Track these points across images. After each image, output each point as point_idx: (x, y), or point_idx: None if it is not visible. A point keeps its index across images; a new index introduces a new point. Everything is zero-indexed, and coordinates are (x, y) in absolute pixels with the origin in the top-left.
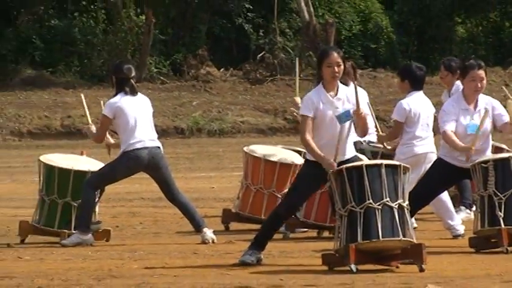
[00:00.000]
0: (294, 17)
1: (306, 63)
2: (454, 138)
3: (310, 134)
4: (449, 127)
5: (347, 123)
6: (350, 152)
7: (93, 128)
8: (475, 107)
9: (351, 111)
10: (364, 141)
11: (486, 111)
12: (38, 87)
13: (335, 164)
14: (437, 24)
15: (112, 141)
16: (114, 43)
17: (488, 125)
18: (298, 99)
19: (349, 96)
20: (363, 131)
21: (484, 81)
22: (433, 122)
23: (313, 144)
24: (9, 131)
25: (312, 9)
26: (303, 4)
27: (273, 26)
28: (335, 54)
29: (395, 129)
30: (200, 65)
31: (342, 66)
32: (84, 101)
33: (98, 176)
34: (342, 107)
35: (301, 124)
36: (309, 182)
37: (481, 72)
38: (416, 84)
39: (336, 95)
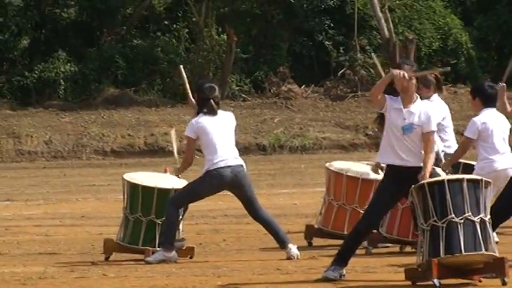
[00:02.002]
0: (374, 34)
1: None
2: None
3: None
4: None
5: (410, 135)
6: (416, 161)
7: (173, 168)
8: None
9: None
10: (442, 151)
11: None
12: (121, 106)
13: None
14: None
15: (176, 148)
16: (196, 62)
17: None
18: None
19: (422, 114)
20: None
21: None
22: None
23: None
24: (93, 150)
25: (391, 26)
26: (382, 21)
27: (353, 43)
28: (406, 67)
29: (464, 146)
30: (281, 82)
31: (414, 81)
32: (173, 137)
33: (182, 195)
34: (409, 119)
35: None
36: (387, 196)
37: None
38: (488, 102)
39: (409, 107)
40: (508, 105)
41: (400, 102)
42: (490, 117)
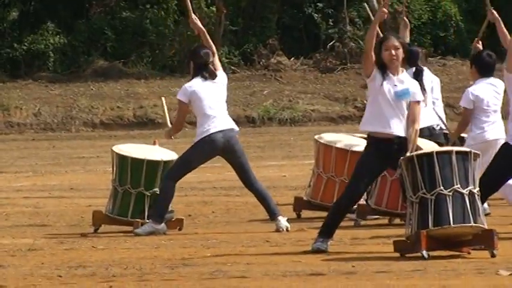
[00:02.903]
0: (363, 6)
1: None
2: None
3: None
4: None
5: (402, 103)
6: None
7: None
8: None
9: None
10: (438, 125)
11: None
12: (110, 78)
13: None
14: (507, 11)
15: (168, 118)
16: (185, 34)
17: None
18: None
19: (410, 85)
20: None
21: None
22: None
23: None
24: (82, 122)
25: None
26: None
27: (342, 16)
28: (393, 38)
29: (465, 117)
30: (271, 54)
31: (400, 50)
32: (164, 103)
33: (177, 167)
34: (400, 86)
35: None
36: (369, 169)
37: None
38: (484, 71)
39: (397, 75)
40: None
41: (389, 72)
42: (483, 88)
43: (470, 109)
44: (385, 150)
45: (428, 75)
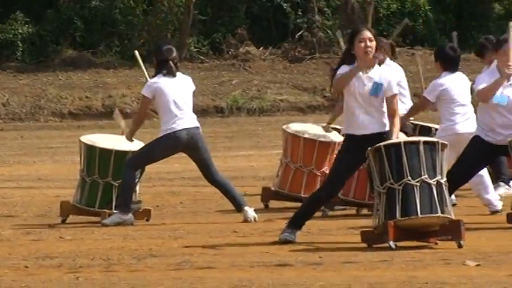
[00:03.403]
0: None
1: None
2: (487, 85)
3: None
4: (482, 86)
5: (377, 97)
6: (385, 125)
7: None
8: (508, 80)
9: (382, 84)
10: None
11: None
12: (79, 68)
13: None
14: (475, 2)
15: (124, 126)
16: (154, 23)
17: None
18: None
19: (383, 78)
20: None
21: None
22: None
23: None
24: (51, 112)
25: None
26: None
27: (311, 5)
28: (367, 31)
29: (421, 104)
30: (239, 44)
31: (374, 43)
32: (118, 117)
33: (138, 157)
34: (369, 84)
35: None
36: (347, 164)
37: None
38: (448, 65)
39: (367, 73)
40: None
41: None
42: (450, 81)
43: (430, 101)
44: (362, 145)
45: (392, 66)
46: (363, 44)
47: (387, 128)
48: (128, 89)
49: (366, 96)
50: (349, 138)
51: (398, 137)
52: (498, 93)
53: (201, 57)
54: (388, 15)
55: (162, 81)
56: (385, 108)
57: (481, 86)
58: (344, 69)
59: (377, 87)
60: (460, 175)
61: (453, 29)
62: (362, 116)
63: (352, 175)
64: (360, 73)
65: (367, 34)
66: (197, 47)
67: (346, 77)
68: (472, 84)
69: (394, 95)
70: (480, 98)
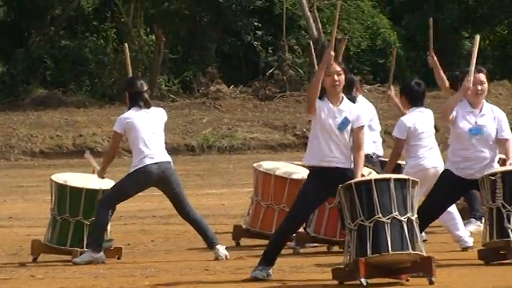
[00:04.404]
0: (302, 34)
1: None
2: (447, 101)
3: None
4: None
5: (344, 133)
6: (349, 162)
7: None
8: (480, 110)
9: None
10: (374, 154)
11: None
12: (49, 107)
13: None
14: (445, 39)
15: (96, 165)
16: (124, 62)
17: (492, 132)
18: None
19: (353, 110)
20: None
21: (485, 85)
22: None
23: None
24: (21, 151)
25: (320, 25)
26: (311, 21)
27: (281, 43)
28: (335, 65)
29: (397, 147)
30: (210, 82)
31: (343, 76)
32: (90, 158)
33: (111, 195)
34: (341, 118)
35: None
36: (312, 196)
37: (481, 76)
38: (414, 100)
39: (339, 106)
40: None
41: (328, 102)
42: (417, 116)
43: (403, 139)
44: (326, 179)
45: (363, 102)
46: (330, 78)
47: (351, 166)
48: (99, 127)
49: (334, 129)
50: (313, 171)
51: (363, 173)
52: (472, 125)
53: (172, 96)
54: (358, 53)
55: (133, 116)
56: (350, 144)
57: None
58: (321, 103)
59: (346, 123)
60: (431, 210)
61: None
62: (328, 149)
63: (317, 207)
64: (331, 105)
65: (336, 68)
66: (168, 86)
67: (317, 75)
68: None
69: (361, 127)
70: (442, 117)
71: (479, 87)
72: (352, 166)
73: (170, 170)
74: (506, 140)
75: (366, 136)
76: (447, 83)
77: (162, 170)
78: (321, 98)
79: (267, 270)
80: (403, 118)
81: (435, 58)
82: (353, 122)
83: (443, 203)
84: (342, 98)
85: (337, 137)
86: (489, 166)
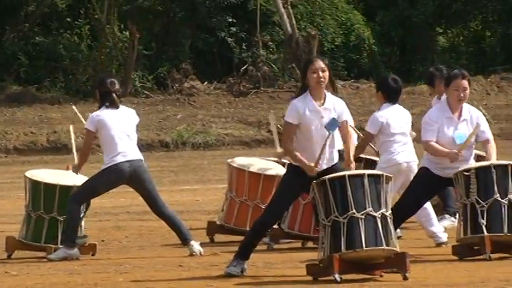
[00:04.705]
0: (276, 30)
1: (288, 75)
2: (437, 146)
3: (292, 142)
4: (430, 137)
5: (335, 131)
6: (334, 160)
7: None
8: (459, 116)
9: (338, 121)
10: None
11: (477, 126)
12: (24, 104)
13: (315, 169)
14: (419, 35)
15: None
16: (98, 59)
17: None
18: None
19: (336, 106)
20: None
21: (467, 91)
22: (411, 130)
23: (294, 151)
24: None
25: (294, 21)
26: (285, 17)
27: (255, 39)
28: (319, 61)
29: (363, 140)
30: (184, 78)
31: (327, 73)
32: (72, 134)
33: (82, 191)
34: (327, 117)
35: (284, 131)
36: (291, 190)
37: (464, 82)
38: (390, 96)
39: (323, 104)
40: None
41: (311, 102)
42: (391, 112)
43: (372, 134)
44: (305, 177)
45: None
46: (315, 75)
47: (335, 161)
48: (73, 124)
49: (320, 129)
50: (295, 168)
51: (351, 162)
52: (456, 132)
53: (146, 92)
54: (332, 49)
55: (104, 114)
56: (335, 143)
57: (429, 138)
58: (295, 103)
59: (334, 124)
60: (407, 207)
61: (397, 62)
62: (312, 149)
63: (293, 202)
64: (316, 105)
65: (320, 64)
66: (142, 82)
67: (294, 158)
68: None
69: (347, 121)
70: (428, 151)
71: (461, 94)
72: (336, 162)
73: (142, 167)
74: (488, 140)
75: (337, 132)
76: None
77: (134, 168)
78: (300, 95)
79: (241, 266)
80: (376, 113)
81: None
82: (339, 117)
83: (419, 200)
84: (325, 95)
85: (322, 137)
86: (467, 163)
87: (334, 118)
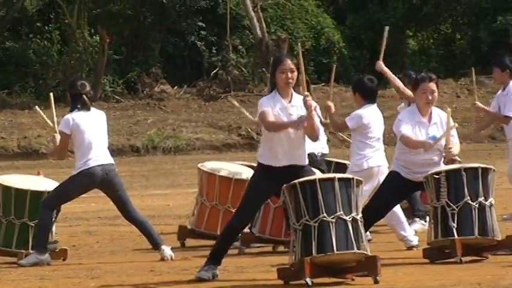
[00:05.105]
0: (246, 33)
1: (258, 79)
2: (411, 136)
3: (271, 118)
4: (406, 130)
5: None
6: (303, 159)
7: (58, 138)
8: (430, 119)
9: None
10: (319, 153)
11: (450, 127)
12: None
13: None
14: (389, 38)
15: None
16: (68, 64)
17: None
18: None
19: (303, 104)
20: (312, 135)
21: (435, 94)
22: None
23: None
24: None
25: (264, 25)
26: (255, 21)
27: (225, 43)
28: (288, 61)
29: (340, 125)
30: (154, 83)
31: (296, 73)
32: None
33: (54, 196)
34: (295, 114)
35: (262, 117)
36: (259, 192)
37: (432, 85)
38: (368, 96)
39: (290, 102)
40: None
41: (279, 100)
42: (370, 114)
43: (348, 127)
44: (274, 174)
45: None
46: (284, 75)
47: (305, 162)
48: (43, 129)
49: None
50: (265, 168)
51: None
52: (425, 136)
53: (116, 97)
54: (302, 53)
55: (78, 117)
56: (304, 141)
57: (404, 130)
58: (265, 100)
59: (302, 120)
60: (377, 210)
61: (367, 65)
62: (282, 148)
63: (263, 203)
64: (285, 103)
65: (289, 65)
66: (112, 87)
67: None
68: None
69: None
70: (406, 146)
71: (429, 97)
72: (304, 163)
73: (113, 172)
74: (455, 143)
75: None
76: (401, 84)
77: (106, 173)
78: (270, 92)
79: (213, 270)
80: (360, 111)
81: (383, 65)
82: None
83: (389, 203)
84: (292, 93)
85: (291, 134)
86: (437, 168)
87: (302, 115)
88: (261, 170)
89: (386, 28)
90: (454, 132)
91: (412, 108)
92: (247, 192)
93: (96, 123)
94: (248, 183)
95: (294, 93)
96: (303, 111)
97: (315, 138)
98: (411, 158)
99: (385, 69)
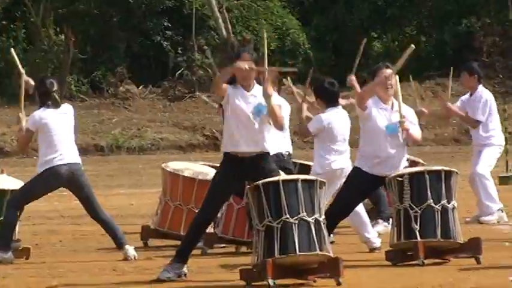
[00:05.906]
0: (212, 34)
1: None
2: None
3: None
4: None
5: (261, 117)
6: (265, 146)
7: (24, 122)
8: (392, 107)
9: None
10: (286, 152)
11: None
12: None
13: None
14: (354, 40)
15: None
16: (34, 62)
17: (401, 135)
18: None
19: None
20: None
21: (394, 80)
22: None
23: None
24: None
25: (229, 26)
26: (220, 21)
27: (191, 44)
28: (246, 55)
29: (302, 129)
30: (119, 82)
31: (253, 66)
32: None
33: (19, 195)
34: (254, 103)
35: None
36: (223, 185)
37: (388, 71)
38: (329, 100)
39: (250, 91)
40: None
41: (241, 89)
42: (334, 117)
43: (310, 132)
44: (237, 167)
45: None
46: (242, 73)
47: (267, 150)
48: (8, 127)
49: (247, 113)
50: (227, 157)
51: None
52: (388, 122)
53: (81, 96)
54: (267, 54)
55: (46, 115)
56: (266, 130)
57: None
58: (233, 89)
59: (261, 108)
60: (340, 209)
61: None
62: (242, 135)
63: (229, 196)
64: (245, 91)
65: (246, 58)
66: (77, 86)
67: (223, 73)
68: None
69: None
70: (358, 102)
71: (388, 82)
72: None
73: (80, 171)
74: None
75: (279, 134)
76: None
77: (72, 172)
78: (231, 83)
79: (178, 270)
80: (322, 115)
81: (355, 81)
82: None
83: (352, 202)
84: (254, 84)
85: (249, 122)
86: (400, 163)
87: (260, 103)
88: (225, 161)
89: (364, 40)
90: (415, 120)
91: (375, 98)
92: (212, 186)
93: (64, 122)
94: (213, 177)
95: (256, 84)
96: (263, 101)
97: (279, 127)
98: (376, 152)
99: (357, 85)
